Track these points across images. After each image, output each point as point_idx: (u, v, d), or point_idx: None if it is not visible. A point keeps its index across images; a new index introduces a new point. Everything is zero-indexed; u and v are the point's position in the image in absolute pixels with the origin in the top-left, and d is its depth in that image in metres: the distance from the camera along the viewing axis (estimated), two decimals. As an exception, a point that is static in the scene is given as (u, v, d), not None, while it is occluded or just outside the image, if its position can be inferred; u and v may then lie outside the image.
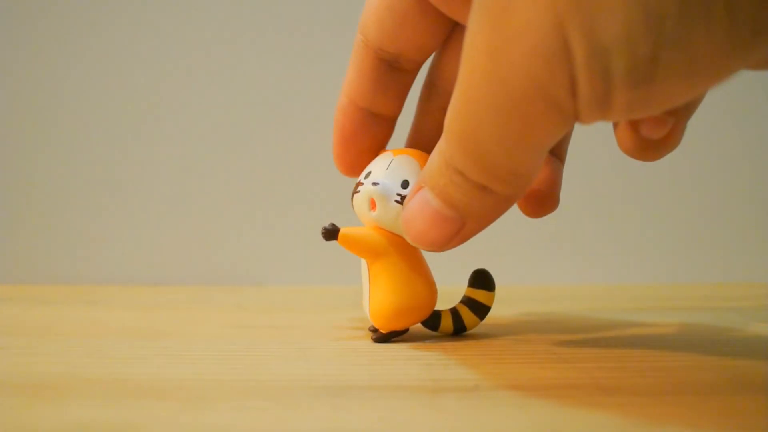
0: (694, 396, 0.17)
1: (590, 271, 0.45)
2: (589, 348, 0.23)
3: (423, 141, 0.25)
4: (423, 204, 0.19)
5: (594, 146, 0.45)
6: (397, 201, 0.22)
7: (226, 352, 0.22)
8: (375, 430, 0.15)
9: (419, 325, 0.24)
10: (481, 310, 0.24)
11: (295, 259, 0.46)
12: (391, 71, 0.23)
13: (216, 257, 0.46)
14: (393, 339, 0.24)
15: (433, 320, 0.24)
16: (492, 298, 0.25)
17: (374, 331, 0.24)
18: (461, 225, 0.18)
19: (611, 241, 0.45)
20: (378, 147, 0.25)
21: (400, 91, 0.24)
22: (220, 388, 0.18)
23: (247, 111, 0.46)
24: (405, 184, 0.23)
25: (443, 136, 0.18)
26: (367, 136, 0.25)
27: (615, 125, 0.23)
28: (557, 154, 0.25)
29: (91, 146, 0.46)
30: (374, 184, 0.23)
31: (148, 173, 0.46)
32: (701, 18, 0.13)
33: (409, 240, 0.20)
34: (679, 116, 0.21)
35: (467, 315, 0.24)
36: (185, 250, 0.46)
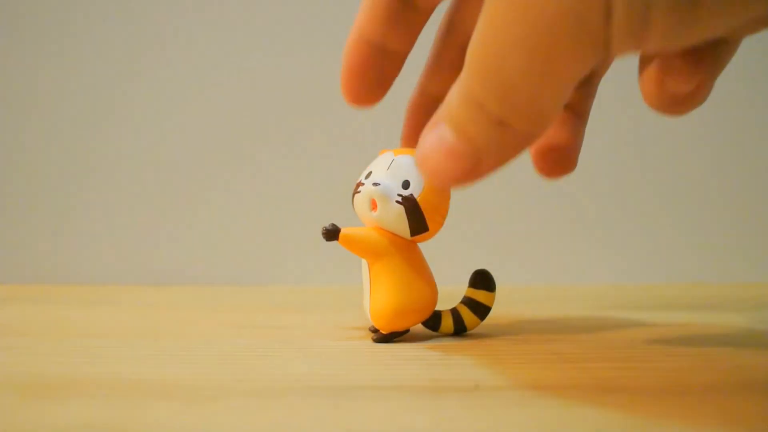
0: (694, 396, 0.17)
1: (590, 271, 0.45)
2: (589, 348, 0.22)
3: (438, 82, 0.24)
4: (439, 139, 0.18)
5: (594, 146, 0.45)
6: (398, 201, 0.22)
7: (226, 352, 0.22)
8: (375, 430, 0.15)
9: (420, 325, 0.24)
10: (481, 310, 0.24)
11: (295, 260, 0.46)
12: (405, 9, 0.22)
13: (216, 257, 0.46)
14: (394, 339, 0.24)
15: (433, 320, 0.24)
16: (492, 299, 0.25)
17: (375, 331, 0.24)
18: (478, 161, 0.18)
19: (611, 241, 0.45)
20: (387, 81, 0.23)
21: (413, 28, 0.23)
22: (220, 388, 0.18)
23: (249, 112, 0.46)
24: (406, 185, 0.23)
25: (464, 68, 0.17)
26: (376, 71, 0.24)
27: (641, 76, 0.21)
28: (579, 111, 0.24)
29: (91, 146, 0.46)
30: (375, 184, 0.23)
31: (148, 173, 0.46)
32: None
33: (424, 176, 0.19)
34: (707, 69, 0.20)
35: (468, 315, 0.24)
36: (185, 250, 0.46)
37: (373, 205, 0.23)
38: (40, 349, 0.23)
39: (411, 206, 0.22)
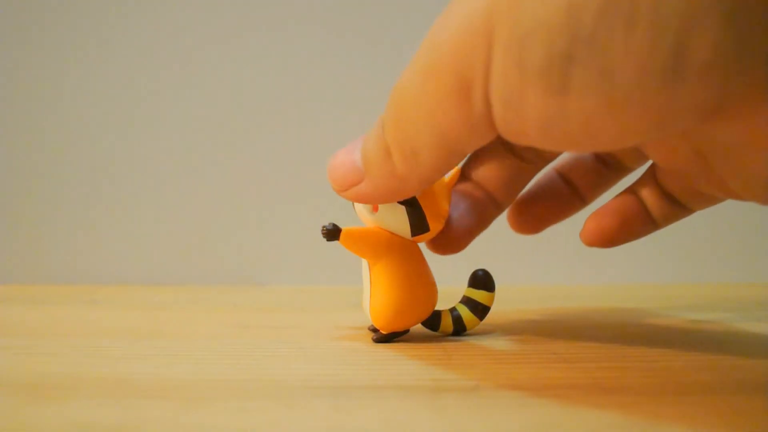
0: (694, 396, 0.17)
1: (590, 271, 0.45)
2: (589, 348, 0.22)
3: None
4: (352, 148, 0.20)
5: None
6: (399, 201, 0.22)
7: (226, 352, 0.22)
8: (375, 430, 0.15)
9: (419, 325, 0.24)
10: (480, 310, 0.24)
11: (295, 260, 0.46)
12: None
13: (216, 257, 0.46)
14: (394, 339, 0.24)
15: (433, 320, 0.24)
16: (492, 299, 0.25)
17: (375, 330, 0.24)
18: (360, 180, 0.20)
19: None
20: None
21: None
22: (220, 388, 0.18)
23: (247, 110, 0.46)
24: None
25: None
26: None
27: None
28: (499, 200, 0.25)
29: (90, 146, 0.46)
30: None
31: (148, 173, 0.46)
32: (620, 17, 0.13)
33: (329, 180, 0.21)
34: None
35: (467, 315, 0.24)
36: (185, 250, 0.46)
37: (374, 206, 0.23)
38: (40, 349, 0.23)
39: (412, 206, 0.22)
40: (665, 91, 0.13)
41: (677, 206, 0.23)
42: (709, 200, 0.22)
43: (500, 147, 0.24)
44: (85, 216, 0.46)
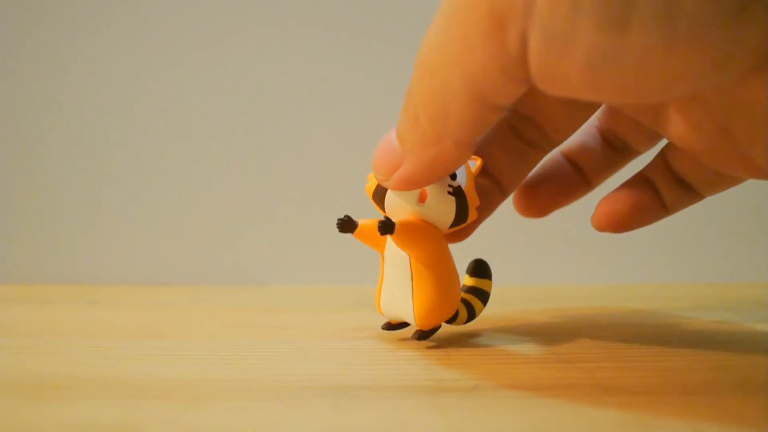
0: (694, 396, 0.17)
1: (590, 271, 0.45)
2: (589, 348, 0.22)
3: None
4: (391, 131, 0.19)
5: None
6: (449, 192, 0.21)
7: (226, 352, 0.22)
8: (375, 430, 0.15)
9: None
10: (485, 297, 0.25)
11: (295, 260, 0.46)
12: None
13: (216, 257, 0.46)
14: (433, 334, 0.23)
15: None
16: (491, 286, 0.25)
17: (389, 328, 0.24)
18: (400, 162, 0.18)
19: (611, 241, 0.45)
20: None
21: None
22: (220, 388, 0.18)
23: (249, 110, 0.46)
24: (453, 175, 0.22)
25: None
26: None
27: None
28: (504, 184, 0.24)
29: (90, 146, 0.46)
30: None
31: (148, 173, 0.46)
32: None
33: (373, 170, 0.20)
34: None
35: (476, 303, 0.25)
36: (185, 250, 0.46)
37: (422, 196, 0.21)
38: (40, 349, 0.23)
39: (460, 197, 0.21)
40: (731, 26, 0.12)
41: (688, 191, 0.22)
42: (723, 183, 0.21)
43: (506, 131, 0.24)
44: (85, 216, 0.46)
